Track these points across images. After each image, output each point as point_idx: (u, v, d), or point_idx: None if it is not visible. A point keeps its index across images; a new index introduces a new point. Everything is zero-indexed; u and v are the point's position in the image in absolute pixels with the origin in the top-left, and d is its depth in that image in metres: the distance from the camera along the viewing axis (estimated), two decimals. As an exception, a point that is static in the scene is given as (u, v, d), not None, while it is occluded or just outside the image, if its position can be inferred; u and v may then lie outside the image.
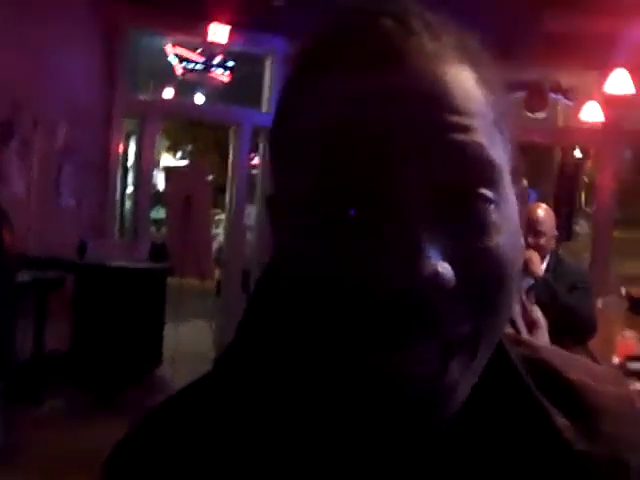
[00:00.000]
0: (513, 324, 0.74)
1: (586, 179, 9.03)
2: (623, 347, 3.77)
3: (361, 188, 0.57)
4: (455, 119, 0.57)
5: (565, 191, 7.73)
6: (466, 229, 0.58)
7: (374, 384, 0.58)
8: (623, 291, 6.47)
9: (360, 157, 0.57)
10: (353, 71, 0.58)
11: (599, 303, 5.64)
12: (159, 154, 16.96)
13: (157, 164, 12.12)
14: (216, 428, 0.66)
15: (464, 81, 0.60)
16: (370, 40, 0.59)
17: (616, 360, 3.64)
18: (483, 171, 0.58)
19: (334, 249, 0.58)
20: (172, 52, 10.21)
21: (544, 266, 4.32)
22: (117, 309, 6.81)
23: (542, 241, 4.26)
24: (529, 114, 7.50)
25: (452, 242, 0.57)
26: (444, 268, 0.55)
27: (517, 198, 0.66)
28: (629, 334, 3.88)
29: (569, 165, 7.85)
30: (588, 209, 8.65)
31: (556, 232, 4.46)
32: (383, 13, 0.60)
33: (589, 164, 8.39)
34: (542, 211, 4.36)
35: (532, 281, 4.11)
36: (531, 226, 4.25)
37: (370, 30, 0.59)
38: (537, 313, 4.01)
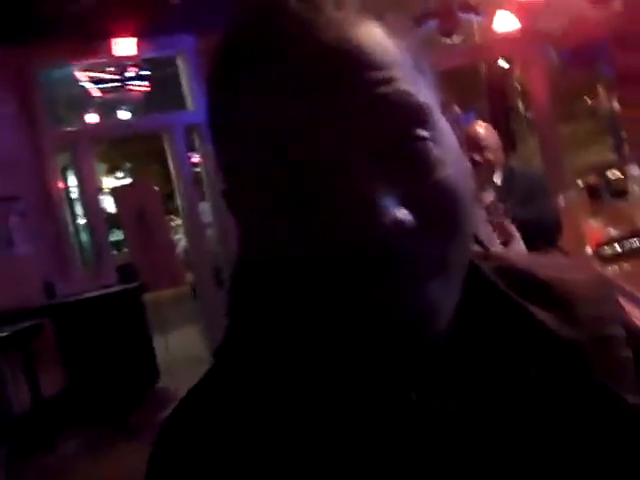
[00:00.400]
0: (481, 244, 0.79)
1: (518, 86, 9.08)
2: (592, 236, 3.83)
3: (308, 156, 0.60)
4: (378, 74, 0.61)
5: (499, 103, 7.79)
6: (413, 171, 0.62)
7: (364, 322, 0.61)
8: (580, 183, 6.55)
9: (301, 129, 0.60)
10: (274, 57, 0.61)
11: (561, 201, 5.72)
12: (100, 179, 16.82)
13: (101, 189, 12.00)
14: (242, 415, 0.69)
15: (376, 37, 0.63)
16: (281, 24, 0.62)
17: (589, 250, 3.70)
18: (415, 115, 0.62)
19: (295, 228, 0.61)
20: (85, 77, 10.06)
21: (499, 180, 4.37)
22: (102, 338, 6.79)
23: (489, 155, 4.29)
24: (446, 40, 7.52)
25: (404, 186, 0.61)
26: (402, 214, 0.59)
27: (451, 126, 0.70)
28: (595, 222, 3.95)
29: (496, 77, 7.90)
30: (529, 114, 8.71)
31: (501, 144, 4.50)
32: None
33: (517, 72, 8.46)
34: (481, 128, 4.39)
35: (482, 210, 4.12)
36: (475, 144, 4.28)
37: (279, 14, 0.63)
38: (509, 227, 4.06)
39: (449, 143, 0.66)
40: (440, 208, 0.62)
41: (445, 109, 0.69)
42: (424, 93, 0.64)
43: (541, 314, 0.72)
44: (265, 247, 0.64)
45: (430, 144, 0.62)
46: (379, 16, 0.65)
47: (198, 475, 0.68)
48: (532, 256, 0.86)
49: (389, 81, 0.61)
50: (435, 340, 0.63)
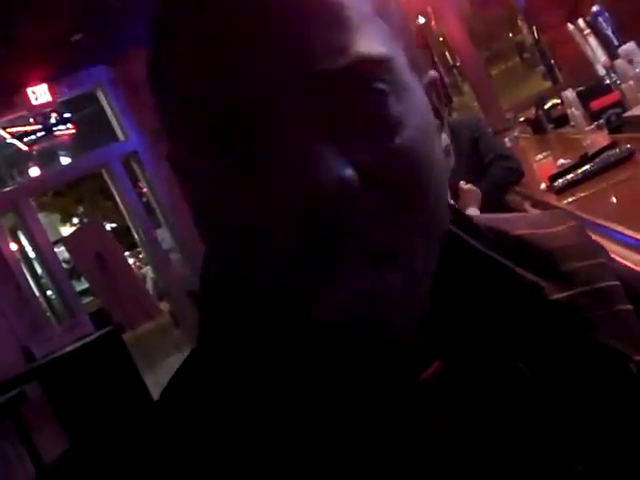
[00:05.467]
0: (452, 209, 0.71)
1: (441, 38, 9.05)
2: (542, 171, 3.77)
3: (251, 119, 0.51)
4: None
5: (426, 60, 7.71)
6: (367, 129, 0.52)
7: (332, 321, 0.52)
8: (522, 120, 6.51)
9: (236, 73, 0.51)
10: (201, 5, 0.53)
11: (507, 142, 5.67)
12: (58, 230, 16.65)
13: (58, 241, 11.83)
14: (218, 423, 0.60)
15: None
16: None
17: (543, 185, 3.62)
18: (370, 63, 0.52)
19: (239, 196, 0.53)
20: (8, 135, 9.86)
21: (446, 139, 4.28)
22: (92, 388, 6.71)
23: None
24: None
25: (355, 148, 0.51)
26: (349, 173, 0.50)
27: (425, 89, 0.62)
28: (541, 156, 3.88)
29: (418, 35, 7.82)
30: (457, 63, 8.69)
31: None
32: None
33: (434, 25, 8.39)
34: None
35: None
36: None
37: None
38: (463, 189, 3.96)
39: (414, 103, 0.56)
40: (397, 178, 0.53)
41: (416, 68, 0.60)
42: (383, 42, 0.54)
43: (528, 276, 0.64)
44: (213, 222, 0.56)
45: (389, 99, 0.53)
46: None
47: None
48: (502, 215, 0.78)
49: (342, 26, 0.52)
50: (409, 319, 0.54)
